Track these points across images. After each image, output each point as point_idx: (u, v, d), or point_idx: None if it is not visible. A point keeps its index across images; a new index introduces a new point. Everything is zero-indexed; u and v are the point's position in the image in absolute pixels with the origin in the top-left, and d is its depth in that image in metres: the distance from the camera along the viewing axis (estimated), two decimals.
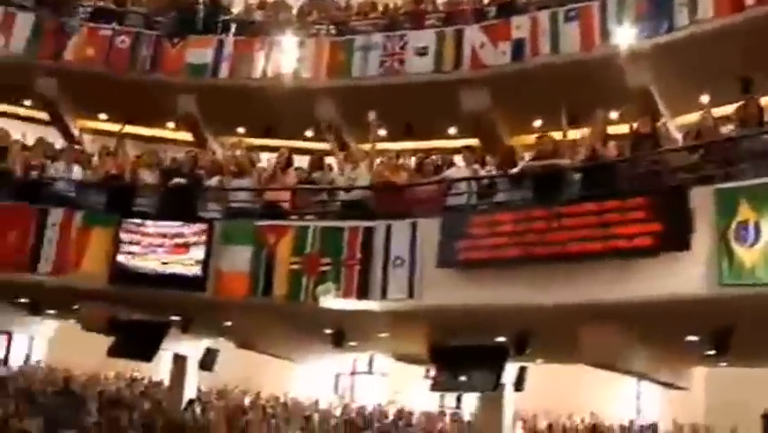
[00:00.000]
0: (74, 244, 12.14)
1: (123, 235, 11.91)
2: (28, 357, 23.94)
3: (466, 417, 18.92)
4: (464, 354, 11.16)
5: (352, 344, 13.16)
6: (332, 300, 10.49)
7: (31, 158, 13.37)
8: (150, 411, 15.68)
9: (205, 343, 15.92)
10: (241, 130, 17.12)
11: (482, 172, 11.01)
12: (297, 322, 12.21)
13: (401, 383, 21.41)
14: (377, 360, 21.51)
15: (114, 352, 13.07)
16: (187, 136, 18.65)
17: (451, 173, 10.88)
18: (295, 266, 10.88)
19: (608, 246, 8.82)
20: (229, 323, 12.98)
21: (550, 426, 17.45)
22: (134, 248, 11.80)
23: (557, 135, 10.95)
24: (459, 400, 21.29)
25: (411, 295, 10.18)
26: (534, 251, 9.33)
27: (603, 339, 9.90)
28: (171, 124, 19.24)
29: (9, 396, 15.09)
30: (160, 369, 21.36)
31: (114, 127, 17.64)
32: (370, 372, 21.73)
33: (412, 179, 11.27)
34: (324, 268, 10.70)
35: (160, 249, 11.69)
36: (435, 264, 10.03)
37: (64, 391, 17.59)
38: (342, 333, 12.34)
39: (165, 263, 11.63)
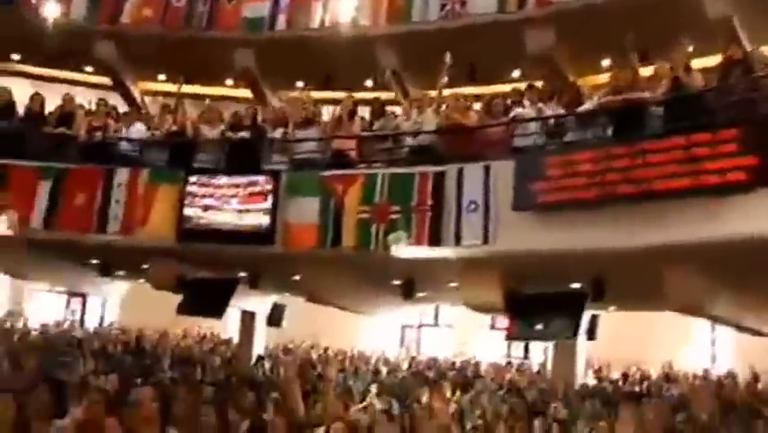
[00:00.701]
0: (141, 202, 11.84)
1: (189, 192, 11.54)
2: (102, 318, 24.23)
3: (534, 367, 18.51)
4: (541, 301, 10.61)
5: (421, 295, 12.67)
6: (403, 249, 9.99)
7: (94, 120, 13.11)
8: (220, 368, 15.56)
9: (272, 299, 15.67)
10: (299, 83, 16.60)
11: (549, 112, 10.30)
12: (367, 273, 11.77)
13: (467, 335, 21.02)
14: (442, 312, 21.13)
15: (183, 310, 12.83)
16: (245, 92, 18.24)
17: (521, 112, 10.19)
18: (364, 215, 10.40)
19: (697, 183, 8.12)
20: (297, 277, 12.59)
21: (624, 375, 16.88)
22: (200, 204, 11.43)
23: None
24: (526, 350, 20.82)
25: (486, 241, 9.62)
26: (617, 190, 8.68)
27: (689, 283, 9.25)
28: (230, 81, 18.85)
29: (86, 356, 15.08)
30: (227, 327, 21.37)
31: (174, 88, 17.31)
32: (435, 324, 21.38)
33: (482, 121, 10.64)
34: (393, 216, 10.19)
35: (227, 204, 11.29)
36: (511, 208, 9.46)
37: (137, 350, 17.62)
38: (411, 283, 11.86)
39: (232, 218, 11.24)
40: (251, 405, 7.92)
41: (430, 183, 10.09)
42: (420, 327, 21.56)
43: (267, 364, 15.74)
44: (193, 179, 11.59)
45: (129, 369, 13.22)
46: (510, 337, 11.52)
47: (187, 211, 11.49)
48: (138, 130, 12.81)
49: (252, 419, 7.33)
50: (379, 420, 7.53)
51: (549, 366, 18.15)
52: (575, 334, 10.47)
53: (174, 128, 12.44)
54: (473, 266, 10.26)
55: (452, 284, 12.17)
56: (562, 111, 10.36)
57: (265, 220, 10.99)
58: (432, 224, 9.98)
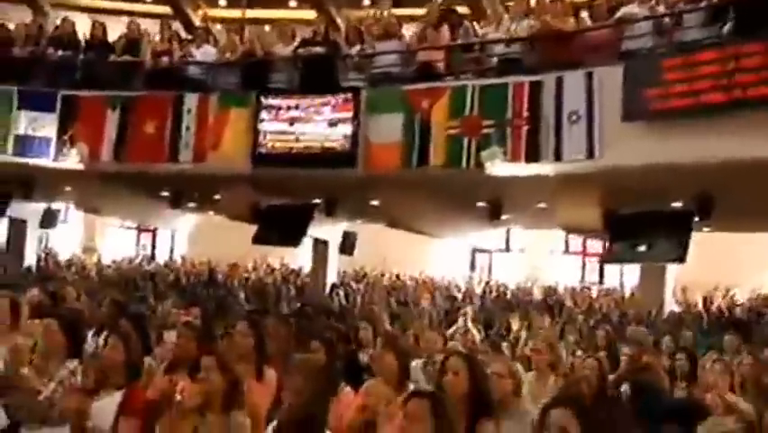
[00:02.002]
0: (212, 128, 10.88)
1: (263, 114, 10.50)
2: (171, 252, 23.75)
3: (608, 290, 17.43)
4: (643, 221, 9.43)
5: (505, 217, 11.57)
6: (498, 166, 8.88)
7: (159, 45, 12.13)
8: (294, 298, 14.83)
9: (343, 226, 14.79)
10: (366, 1, 15.36)
11: (661, 9, 8.92)
12: (452, 195, 10.68)
13: (539, 260, 19.94)
14: (513, 236, 20.01)
15: (259, 239, 11.92)
16: (309, 14, 17.03)
17: (630, 12, 8.82)
18: (453, 131, 9.25)
19: None
20: (376, 202, 11.61)
21: (705, 299, 15.65)
22: (275, 127, 10.40)
23: None
24: (601, 275, 19.70)
25: (591, 155, 8.44)
26: (747, 94, 7.40)
27: None
28: (293, 3, 17.63)
29: (162, 289, 14.46)
30: (296, 257, 20.65)
31: (235, 13, 16.25)
32: (507, 249, 20.28)
33: (582, 25, 9.33)
34: (486, 130, 9.03)
35: (303, 125, 10.25)
36: (620, 118, 8.23)
37: (211, 282, 17.00)
38: (499, 204, 10.76)
39: (309, 140, 10.20)
40: (340, 336, 7.06)
41: (526, 94, 8.90)
42: (490, 252, 20.48)
43: (342, 293, 14.97)
44: (266, 101, 10.53)
45: (204, 302, 12.54)
46: (608, 261, 10.41)
47: (261, 135, 10.46)
48: (206, 53, 11.76)
49: (347, 352, 6.43)
50: (489, 352, 6.57)
51: (626, 291, 17.16)
52: (683, 257, 9.28)
53: (243, 49, 11.35)
54: (572, 184, 9.11)
55: (541, 205, 11.08)
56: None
57: (345, 141, 9.93)
58: (529, 138, 8.83)
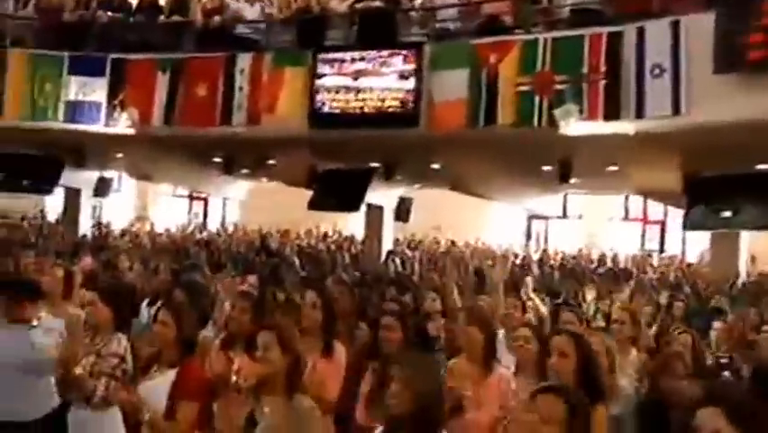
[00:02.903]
0: (266, 89, 10.23)
1: (319, 74, 9.84)
2: (223, 220, 23.48)
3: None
4: (729, 185, 8.67)
5: (573, 181, 10.81)
6: (573, 125, 8.13)
7: (210, 4, 11.54)
8: (349, 266, 14.30)
9: (399, 192, 14.18)
10: None
11: None
12: (520, 156, 9.98)
13: (597, 226, 19.15)
14: (570, 202, 19.23)
15: (316, 205, 11.37)
16: None
17: None
18: (523, 87, 8.47)
19: None
20: (437, 165, 10.95)
21: None
22: (333, 86, 9.73)
23: None
24: (662, 243, 18.83)
25: (677, 111, 7.62)
26: None
27: None
28: None
29: (216, 257, 14.06)
30: (348, 224, 20.15)
31: None
32: (564, 215, 19.49)
33: None
34: (560, 87, 8.23)
35: (362, 84, 9.56)
36: (712, 70, 7.39)
37: (263, 250, 16.57)
38: (569, 167, 10.01)
39: (369, 99, 9.52)
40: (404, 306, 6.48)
41: (603, 46, 8.08)
42: (547, 218, 19.71)
43: (398, 260, 14.39)
44: (322, 59, 9.87)
45: (258, 270, 12.07)
46: (690, 227, 9.56)
47: (319, 94, 9.81)
48: (258, 10, 11.14)
49: (416, 323, 5.81)
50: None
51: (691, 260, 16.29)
52: None
53: (298, 5, 10.69)
54: (653, 143, 8.30)
55: (612, 168, 10.31)
56: None
57: (407, 100, 9.23)
58: (607, 94, 8.01)
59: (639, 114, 7.85)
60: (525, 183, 11.60)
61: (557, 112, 8.13)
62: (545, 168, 10.43)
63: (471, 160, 9.99)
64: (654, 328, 7.30)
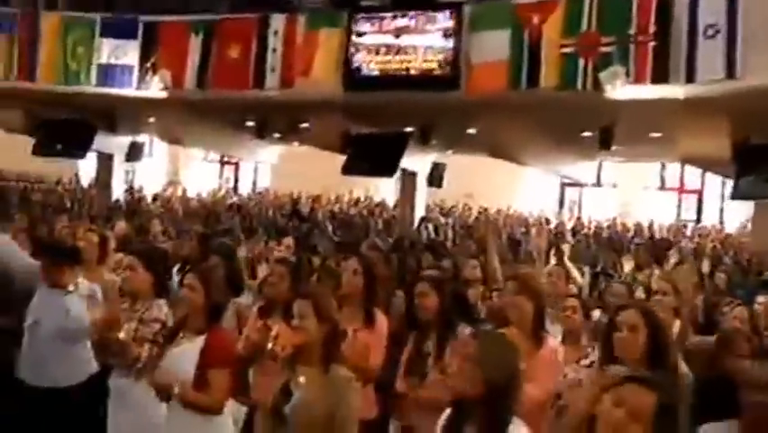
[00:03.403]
0: (300, 51, 9.95)
1: (355, 35, 9.51)
2: (254, 185, 23.34)
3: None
4: None
5: (614, 148, 10.40)
6: (619, 88, 7.75)
7: None
8: (382, 232, 14.07)
9: (432, 158, 13.86)
10: None
11: None
12: (561, 121, 9.61)
13: (631, 195, 18.69)
14: (605, 170, 18.78)
15: (349, 169, 11.08)
16: None
17: None
18: (567, 49, 8.09)
19: None
20: (473, 130, 10.61)
21: None
22: (369, 47, 9.40)
23: None
24: (699, 212, 18.36)
25: (732, 74, 7.22)
26: None
27: None
28: None
29: (246, 222, 13.91)
30: (380, 189, 19.89)
31: None
32: (598, 183, 19.01)
33: None
34: (606, 48, 7.85)
35: (399, 45, 9.23)
36: None
37: (295, 215, 16.39)
38: (610, 133, 9.63)
39: (406, 61, 9.18)
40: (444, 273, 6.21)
41: (653, 6, 7.68)
42: (580, 186, 19.26)
43: (431, 226, 14.12)
44: (359, 19, 9.52)
45: (291, 235, 11.87)
46: (738, 196, 9.11)
47: (356, 56, 9.48)
48: None
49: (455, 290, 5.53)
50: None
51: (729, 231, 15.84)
52: None
53: None
54: (703, 108, 7.90)
55: (656, 134, 9.91)
56: None
57: (446, 61, 8.87)
58: (656, 56, 7.63)
59: (690, 77, 7.45)
60: (562, 149, 11.24)
61: (603, 75, 7.76)
62: (585, 134, 10.05)
63: (509, 124, 9.65)
64: (700, 300, 6.98)
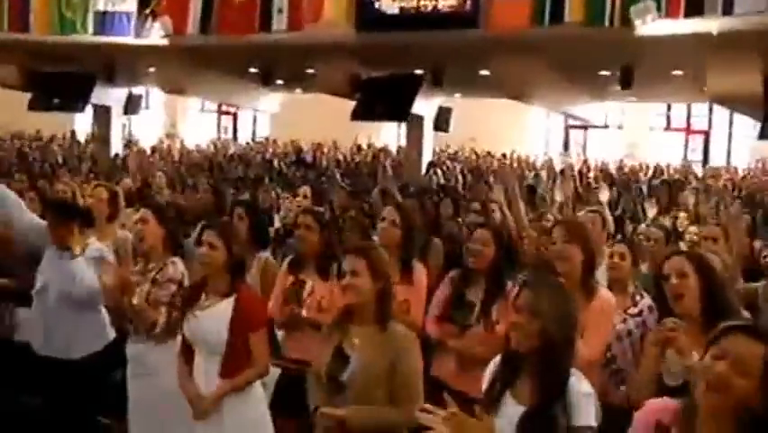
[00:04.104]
0: None
1: None
2: (254, 134, 22.87)
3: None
4: None
5: (634, 92, 9.96)
6: (650, 23, 7.32)
7: None
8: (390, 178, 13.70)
9: (438, 101, 13.43)
10: None
11: None
12: (581, 59, 9.18)
13: (637, 136, 18.33)
14: (611, 111, 18.37)
15: (360, 114, 10.54)
16: None
17: None
18: None
19: None
20: (486, 72, 10.16)
21: None
22: None
23: None
24: (706, 153, 18.03)
25: None
26: None
27: None
28: None
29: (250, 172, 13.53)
30: (381, 134, 19.50)
31: None
32: (604, 125, 18.61)
33: None
34: None
35: None
36: None
37: (299, 163, 16.01)
38: (631, 71, 9.19)
39: None
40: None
41: None
42: (585, 128, 18.87)
43: (440, 172, 13.76)
44: None
45: (298, 183, 11.50)
46: (766, 136, 8.73)
47: None
48: None
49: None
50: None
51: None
52: None
53: None
54: (737, 44, 7.44)
55: (678, 72, 9.50)
56: None
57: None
58: None
59: (727, 9, 7.01)
60: (578, 89, 10.82)
61: (633, 9, 7.30)
62: (603, 73, 9.63)
63: (526, 64, 9.13)
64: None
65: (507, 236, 4.64)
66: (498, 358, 2.52)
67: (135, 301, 3.57)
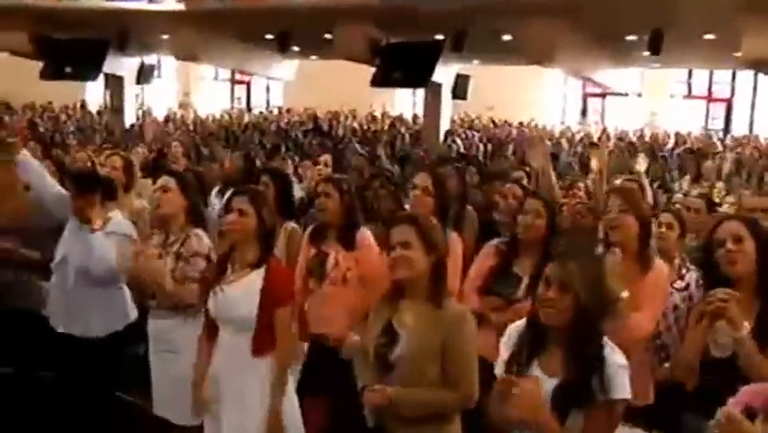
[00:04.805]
0: None
1: None
2: (268, 103, 22.55)
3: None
4: None
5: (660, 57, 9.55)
6: None
7: None
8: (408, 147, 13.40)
9: (455, 69, 13.08)
10: None
11: None
12: (610, 20, 8.80)
13: (657, 104, 17.86)
14: (630, 78, 17.86)
15: (379, 81, 10.28)
16: None
17: None
18: None
19: None
20: (508, 36, 9.80)
21: None
22: None
23: None
24: (727, 122, 17.56)
25: None
26: None
27: None
28: None
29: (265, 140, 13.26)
30: (395, 103, 19.18)
31: None
32: (624, 93, 18.06)
33: None
34: None
35: None
36: None
37: (315, 131, 15.72)
38: (660, 35, 8.77)
39: None
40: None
41: None
42: (604, 95, 18.40)
43: (458, 140, 13.45)
44: None
45: (316, 152, 11.21)
46: None
47: None
48: None
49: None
50: None
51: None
52: None
53: None
54: None
55: (710, 36, 9.11)
56: None
57: None
58: None
59: None
60: (602, 55, 10.41)
61: None
62: (630, 38, 9.24)
63: (551, 27, 8.79)
64: None
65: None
66: (516, 326, 2.40)
67: (169, 287, 3.29)
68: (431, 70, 9.62)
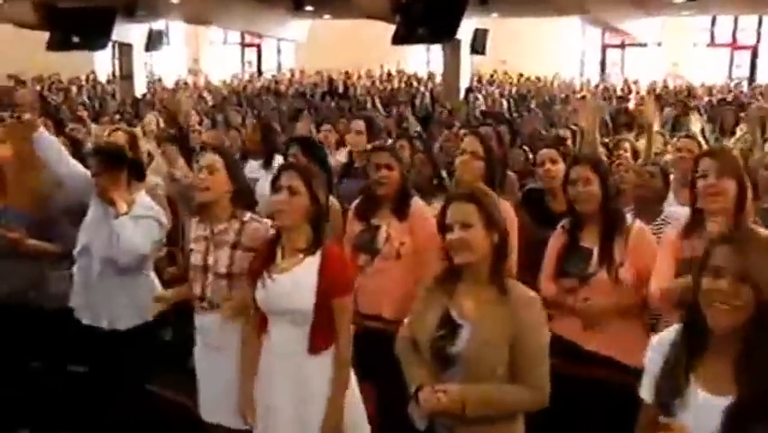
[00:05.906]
0: None
1: None
2: (279, 65, 21.96)
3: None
4: None
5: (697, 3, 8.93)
6: None
7: None
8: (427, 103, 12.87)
9: (473, 23, 12.47)
10: None
11: None
12: None
13: (679, 54, 17.16)
14: (646, 25, 17.15)
15: (401, 38, 9.75)
16: None
17: None
18: None
19: None
20: None
21: None
22: None
23: None
24: (753, 69, 16.84)
25: None
26: None
27: None
28: None
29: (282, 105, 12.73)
30: (408, 58, 18.64)
31: None
32: (643, 44, 17.31)
33: None
34: None
35: None
36: None
37: (332, 93, 15.19)
38: None
39: None
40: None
41: None
42: (623, 47, 17.68)
43: (479, 96, 12.88)
44: None
45: (334, 115, 10.69)
46: None
47: None
48: None
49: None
50: None
51: None
52: None
53: None
54: None
55: None
56: None
57: None
58: None
59: None
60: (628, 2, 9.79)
61: None
62: None
63: None
64: None
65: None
66: (668, 332, 1.86)
67: (229, 313, 2.79)
68: (456, 24, 9.05)
